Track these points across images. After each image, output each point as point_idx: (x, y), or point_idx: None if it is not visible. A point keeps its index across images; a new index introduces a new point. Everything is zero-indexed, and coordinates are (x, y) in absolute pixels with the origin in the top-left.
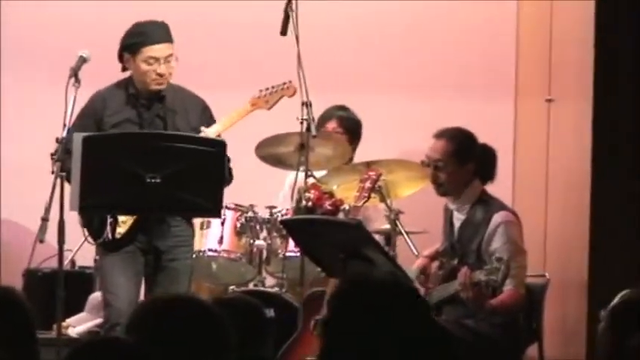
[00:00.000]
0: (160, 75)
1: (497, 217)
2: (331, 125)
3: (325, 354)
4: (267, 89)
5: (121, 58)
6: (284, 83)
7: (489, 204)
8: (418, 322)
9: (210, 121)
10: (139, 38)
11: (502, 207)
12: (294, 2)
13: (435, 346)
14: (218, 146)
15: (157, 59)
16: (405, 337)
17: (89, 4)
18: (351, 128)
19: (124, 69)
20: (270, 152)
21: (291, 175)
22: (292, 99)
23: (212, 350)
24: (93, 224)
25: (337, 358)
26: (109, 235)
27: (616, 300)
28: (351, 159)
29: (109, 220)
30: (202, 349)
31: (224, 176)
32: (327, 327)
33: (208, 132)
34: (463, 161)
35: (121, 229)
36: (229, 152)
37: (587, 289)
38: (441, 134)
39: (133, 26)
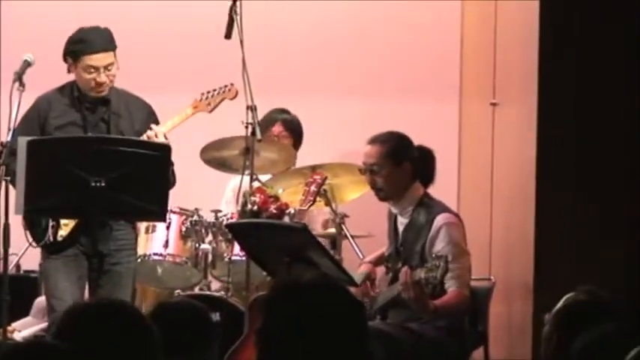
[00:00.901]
0: (100, 84)
1: (440, 219)
2: (277, 129)
3: None
4: (209, 92)
5: (65, 61)
6: (225, 86)
7: (431, 206)
8: (350, 322)
9: (155, 125)
10: (80, 46)
11: (444, 209)
12: (238, 5)
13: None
14: (162, 150)
15: (96, 68)
16: (337, 337)
17: (32, 7)
18: (296, 131)
19: (70, 71)
20: (214, 156)
21: (233, 180)
22: (237, 102)
23: (140, 356)
24: (35, 227)
25: None
26: (50, 238)
27: (560, 303)
28: (291, 162)
29: (51, 223)
30: (130, 355)
31: (169, 180)
32: (260, 334)
33: (158, 130)
34: (398, 162)
35: (62, 232)
36: (173, 156)
37: (532, 292)
38: (373, 139)
39: (76, 32)
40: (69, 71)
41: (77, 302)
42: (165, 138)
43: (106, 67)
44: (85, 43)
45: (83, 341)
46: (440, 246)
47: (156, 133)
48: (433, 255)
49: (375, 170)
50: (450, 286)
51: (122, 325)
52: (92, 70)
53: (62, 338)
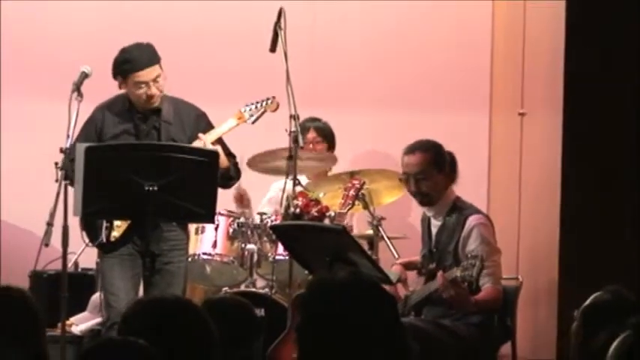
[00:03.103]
0: (151, 96)
1: (472, 220)
2: (311, 135)
3: (301, 357)
4: (252, 104)
5: (115, 79)
6: (268, 98)
7: (463, 208)
8: (383, 316)
9: (207, 127)
10: (127, 66)
11: (475, 211)
12: (282, 21)
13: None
14: (210, 156)
15: (145, 83)
16: (371, 331)
17: (90, 21)
18: (329, 137)
19: (121, 87)
20: (264, 167)
21: (275, 184)
22: (279, 110)
23: (198, 348)
24: (91, 228)
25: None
26: (104, 238)
27: (588, 301)
28: (330, 167)
29: (105, 224)
30: (189, 347)
31: (216, 184)
32: (299, 331)
33: (206, 138)
34: (440, 168)
35: (115, 233)
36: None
37: (556, 290)
38: (414, 148)
39: (120, 53)
40: (120, 88)
41: (140, 298)
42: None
43: (154, 80)
44: (130, 63)
45: (148, 335)
46: (473, 245)
47: (204, 143)
48: (467, 255)
49: (421, 178)
50: (486, 283)
51: (183, 320)
52: (142, 85)
53: (127, 333)
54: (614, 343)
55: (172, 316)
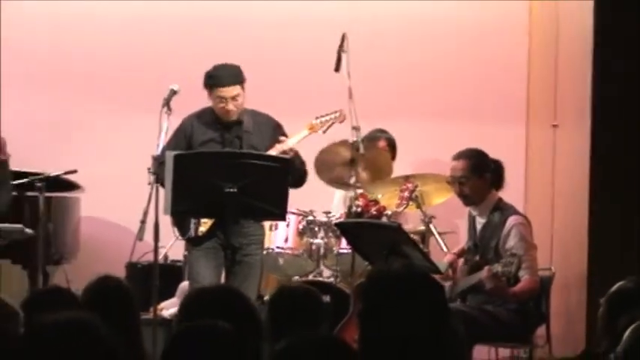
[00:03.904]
0: (228, 111)
1: (512, 220)
2: (381, 144)
3: (362, 339)
4: (322, 116)
5: (205, 89)
6: (336, 112)
7: (504, 209)
8: (432, 302)
9: (283, 136)
10: (212, 80)
11: (515, 212)
12: (345, 44)
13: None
14: (283, 162)
15: (225, 98)
16: (422, 316)
17: (177, 45)
18: (394, 146)
19: (209, 97)
20: (329, 176)
21: (339, 190)
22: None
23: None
24: (180, 224)
25: (371, 342)
26: (192, 233)
27: (613, 289)
28: (389, 172)
29: (193, 221)
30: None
31: (288, 186)
32: (360, 316)
33: (287, 142)
34: (481, 174)
35: (202, 228)
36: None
37: (585, 280)
38: (458, 156)
39: (211, 69)
40: (209, 98)
41: (196, 288)
42: (291, 151)
43: (233, 98)
44: (216, 79)
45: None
46: (512, 242)
47: (286, 144)
48: (507, 251)
49: (463, 182)
50: (524, 275)
51: (229, 307)
52: (222, 100)
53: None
54: (631, 326)
55: (225, 304)
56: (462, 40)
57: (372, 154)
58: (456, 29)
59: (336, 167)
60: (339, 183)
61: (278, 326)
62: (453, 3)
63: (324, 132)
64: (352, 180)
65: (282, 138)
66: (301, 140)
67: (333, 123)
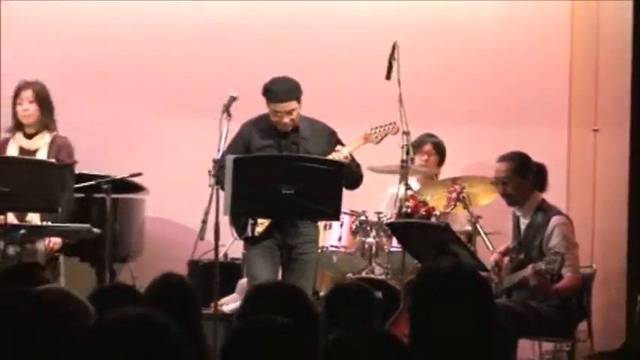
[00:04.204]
0: (283, 124)
1: (554, 220)
2: (427, 148)
3: (412, 334)
4: (377, 127)
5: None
6: (390, 123)
7: (548, 210)
8: (479, 297)
9: (337, 143)
10: (269, 94)
11: (558, 212)
12: (396, 53)
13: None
14: (336, 166)
15: (280, 112)
16: (469, 310)
17: (237, 53)
18: (441, 150)
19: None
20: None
21: (391, 189)
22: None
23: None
24: (239, 224)
25: (421, 337)
26: (250, 233)
27: None
28: (437, 175)
29: (250, 221)
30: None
31: (341, 188)
32: (410, 311)
33: (342, 149)
34: (523, 175)
35: (259, 229)
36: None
37: (625, 277)
38: (502, 158)
39: (269, 82)
40: (267, 106)
41: (257, 285)
42: (349, 156)
43: (287, 112)
44: (272, 93)
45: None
46: (555, 241)
47: (341, 153)
48: (550, 250)
49: (506, 182)
50: (567, 272)
51: (288, 303)
52: (277, 114)
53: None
54: None
55: (285, 300)
56: (505, 44)
57: (417, 157)
58: (499, 33)
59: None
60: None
61: (333, 321)
62: (499, 6)
63: (378, 142)
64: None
65: (337, 147)
66: (356, 149)
67: (387, 134)
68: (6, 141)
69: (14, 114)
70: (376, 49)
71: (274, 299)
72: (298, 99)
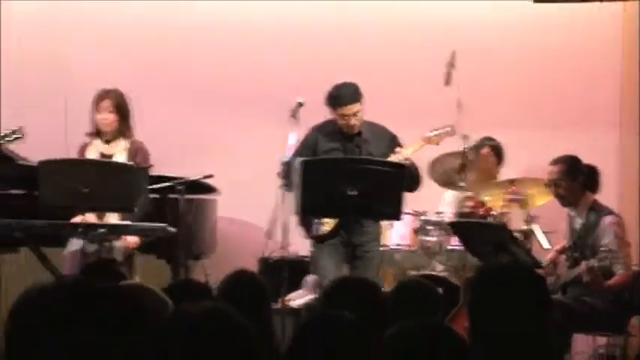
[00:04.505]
0: (350, 126)
1: (607, 220)
2: (485, 150)
3: (471, 329)
4: (437, 130)
5: (327, 106)
6: (447, 126)
7: (600, 210)
8: (534, 293)
9: (397, 146)
10: (335, 100)
11: (609, 212)
12: (454, 60)
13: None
14: (398, 167)
15: (347, 115)
16: (526, 305)
17: (301, 61)
18: (499, 153)
19: (332, 114)
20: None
21: (447, 192)
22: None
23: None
24: (306, 223)
25: (480, 331)
26: (316, 232)
27: None
28: (495, 177)
29: (316, 221)
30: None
31: (403, 189)
32: (470, 307)
33: (404, 151)
34: (574, 177)
35: (325, 228)
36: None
37: None
38: (554, 161)
39: (333, 89)
40: (330, 114)
41: (334, 280)
42: (408, 159)
43: (354, 114)
44: (338, 98)
45: (340, 307)
46: (607, 239)
47: (401, 154)
48: (602, 248)
49: (559, 184)
50: (619, 269)
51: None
52: (345, 117)
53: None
54: None
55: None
56: (558, 49)
57: (477, 160)
58: (552, 38)
59: (447, 172)
60: (450, 184)
61: (399, 316)
62: (552, 9)
63: (437, 144)
64: (462, 183)
65: (397, 149)
66: (416, 151)
67: (445, 137)
68: (85, 146)
69: (94, 121)
70: (436, 53)
71: (349, 293)
72: (361, 100)
